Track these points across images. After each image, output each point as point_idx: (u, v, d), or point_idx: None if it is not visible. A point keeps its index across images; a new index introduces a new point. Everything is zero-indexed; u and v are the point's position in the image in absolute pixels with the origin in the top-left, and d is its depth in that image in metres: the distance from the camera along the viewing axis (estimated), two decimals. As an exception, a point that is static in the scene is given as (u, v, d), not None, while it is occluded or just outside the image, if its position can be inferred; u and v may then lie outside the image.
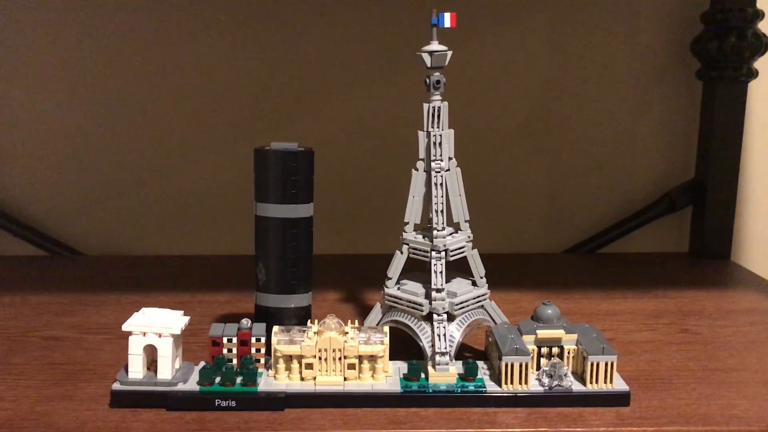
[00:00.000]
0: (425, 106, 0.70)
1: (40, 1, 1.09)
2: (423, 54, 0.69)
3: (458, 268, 0.74)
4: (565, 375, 0.66)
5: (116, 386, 0.65)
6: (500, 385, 0.66)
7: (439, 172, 0.70)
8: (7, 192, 1.15)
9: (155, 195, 1.15)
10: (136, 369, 0.66)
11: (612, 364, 0.66)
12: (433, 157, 0.70)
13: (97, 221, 1.16)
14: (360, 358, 0.67)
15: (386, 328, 0.69)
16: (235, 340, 0.68)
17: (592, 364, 0.66)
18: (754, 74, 1.08)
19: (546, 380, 0.66)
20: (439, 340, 0.68)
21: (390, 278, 0.73)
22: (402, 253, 0.72)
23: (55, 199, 1.15)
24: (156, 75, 1.12)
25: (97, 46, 1.11)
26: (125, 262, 1.11)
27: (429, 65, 0.69)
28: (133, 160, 1.14)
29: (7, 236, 1.13)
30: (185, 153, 1.14)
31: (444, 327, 0.69)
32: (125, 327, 0.66)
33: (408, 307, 0.71)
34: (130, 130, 1.14)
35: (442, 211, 0.70)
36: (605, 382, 0.66)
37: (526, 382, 0.66)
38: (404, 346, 0.72)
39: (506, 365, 0.66)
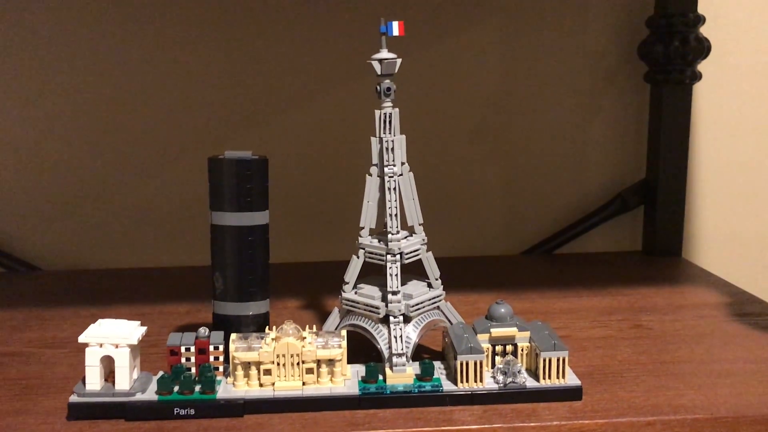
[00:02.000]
0: (377, 112, 0.71)
1: (-10, 15, 1.09)
2: (373, 62, 0.70)
3: (414, 271, 0.75)
4: (518, 372, 0.68)
5: (73, 398, 0.65)
6: (456, 384, 0.67)
7: (392, 176, 0.71)
8: (-40, 208, 1.13)
9: (112, 208, 1.15)
10: (94, 380, 0.66)
11: (564, 360, 0.68)
12: (386, 163, 0.71)
13: (53, 236, 1.15)
14: (318, 362, 0.68)
15: (344, 332, 0.70)
16: (193, 348, 0.68)
17: (544, 360, 0.68)
18: (698, 77, 1.11)
19: (500, 377, 0.68)
20: (396, 341, 0.69)
21: (347, 282, 0.74)
22: (358, 257, 0.73)
23: (11, 215, 1.14)
24: (109, 90, 1.12)
25: (49, 62, 1.10)
26: (83, 277, 1.10)
27: (379, 73, 0.70)
28: (88, 174, 1.14)
29: (-38, 253, 1.12)
30: (140, 166, 1.14)
31: (400, 329, 0.70)
32: (81, 339, 0.66)
33: (365, 310, 0.72)
34: (85, 144, 1.13)
35: (396, 215, 0.72)
36: (558, 378, 0.68)
37: (481, 380, 0.67)
38: (363, 349, 0.73)
39: (461, 364, 0.67)
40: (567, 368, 0.68)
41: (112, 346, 0.66)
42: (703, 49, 1.09)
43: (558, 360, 0.68)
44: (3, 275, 1.11)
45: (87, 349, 0.66)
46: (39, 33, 1.09)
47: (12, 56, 1.10)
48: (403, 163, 0.72)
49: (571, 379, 0.68)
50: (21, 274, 1.12)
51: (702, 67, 1.12)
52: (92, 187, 1.14)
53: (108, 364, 0.66)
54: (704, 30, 1.10)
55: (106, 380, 0.67)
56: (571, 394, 0.67)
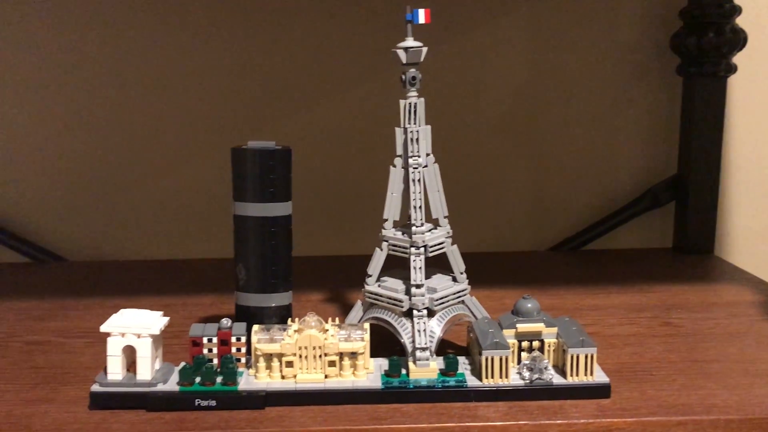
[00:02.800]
0: (401, 102, 0.70)
1: (19, 10, 1.09)
2: (398, 51, 0.69)
3: (438, 264, 0.74)
4: (545, 368, 0.66)
5: (95, 388, 0.65)
6: (481, 380, 0.66)
7: (417, 168, 0.70)
8: (-11, 199, 1.14)
9: (137, 199, 1.15)
10: (115, 370, 0.65)
11: (592, 357, 0.66)
12: (410, 154, 0.70)
13: (79, 227, 1.15)
14: (341, 355, 0.67)
15: (366, 325, 0.69)
16: (215, 339, 0.68)
17: (572, 357, 0.66)
18: (733, 69, 1.09)
19: (526, 374, 0.66)
20: (419, 335, 0.68)
21: (370, 275, 0.73)
22: (381, 250, 0.72)
23: (37, 206, 1.15)
24: (135, 80, 1.12)
25: (76, 54, 1.11)
26: (108, 267, 1.10)
27: (404, 62, 0.69)
28: (113, 166, 1.14)
29: (-10, 243, 1.13)
30: (166, 157, 1.14)
31: (424, 323, 0.69)
32: (103, 328, 0.66)
33: (388, 303, 0.71)
34: (110, 136, 1.13)
35: (420, 207, 0.70)
36: (585, 375, 0.66)
37: (506, 376, 0.66)
38: (386, 343, 0.72)
39: (486, 359, 0.66)
40: (595, 365, 0.66)
41: (134, 335, 0.65)
42: (738, 40, 1.06)
43: (586, 356, 0.66)
44: (29, 265, 1.12)
45: (109, 339, 0.65)
46: (61, 27, 1.10)
47: (38, 49, 1.10)
48: (428, 155, 0.71)
49: (599, 377, 0.67)
50: (46, 264, 1.13)
51: (737, 59, 1.09)
52: (117, 178, 1.14)
53: (130, 354, 0.66)
54: (740, 21, 1.07)
55: (128, 370, 0.67)
56: (600, 391, 0.66)
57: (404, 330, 0.69)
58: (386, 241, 0.72)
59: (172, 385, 0.66)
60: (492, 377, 0.66)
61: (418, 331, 0.68)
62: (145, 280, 1.04)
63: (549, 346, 0.69)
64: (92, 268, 1.10)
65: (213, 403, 0.64)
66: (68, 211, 1.15)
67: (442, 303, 0.70)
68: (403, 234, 0.71)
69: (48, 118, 1.12)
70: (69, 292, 0.98)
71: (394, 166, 0.71)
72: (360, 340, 0.67)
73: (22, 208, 1.14)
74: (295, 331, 0.67)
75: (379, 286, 0.72)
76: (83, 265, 1.12)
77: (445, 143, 1.13)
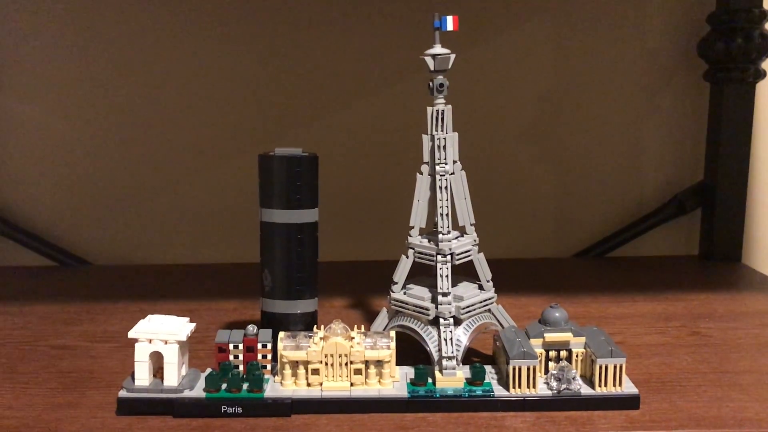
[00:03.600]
0: (429, 109, 0.69)
1: (46, 14, 1.10)
2: (426, 57, 0.69)
3: (465, 272, 0.73)
4: (573, 378, 0.65)
5: (123, 393, 0.65)
6: (508, 389, 0.66)
7: (444, 175, 0.70)
8: (16, 203, 1.15)
9: (163, 204, 1.16)
10: (143, 376, 0.66)
11: (621, 367, 0.65)
12: (437, 161, 0.70)
13: (105, 231, 1.16)
14: (366, 363, 0.67)
15: (393, 333, 0.68)
16: (241, 346, 0.68)
17: (600, 367, 0.65)
18: (761, 75, 1.07)
19: (554, 384, 0.66)
20: (446, 344, 0.68)
21: (396, 283, 0.72)
22: (408, 257, 0.72)
23: (64, 210, 1.16)
24: (161, 85, 1.13)
25: (102, 58, 1.12)
26: (133, 272, 1.11)
27: (432, 68, 0.69)
28: (140, 170, 1.15)
29: (17, 246, 1.14)
30: (192, 162, 1.15)
31: (451, 331, 0.68)
32: (131, 334, 0.66)
33: (414, 311, 0.70)
34: (137, 140, 1.14)
35: (447, 215, 0.70)
36: (614, 385, 0.65)
37: (534, 386, 0.65)
38: (412, 351, 0.72)
39: (514, 369, 0.65)
40: (624, 376, 0.66)
41: (161, 342, 0.65)
42: None
43: (615, 367, 0.65)
44: (56, 269, 1.13)
45: (136, 345, 0.66)
46: (91, 31, 1.11)
47: (65, 53, 1.11)
48: (455, 162, 0.71)
49: (628, 387, 0.66)
50: (73, 268, 1.14)
51: (766, 65, 1.07)
52: (143, 183, 1.15)
53: (157, 359, 0.66)
54: (769, 26, 1.06)
55: (154, 376, 0.67)
56: (629, 402, 0.65)
57: (430, 338, 0.69)
58: (412, 248, 0.71)
59: (198, 391, 0.66)
60: (519, 387, 0.65)
61: (445, 339, 0.68)
62: (170, 284, 1.04)
63: (577, 356, 0.68)
64: (118, 272, 1.11)
65: (239, 410, 0.64)
66: (94, 216, 1.16)
67: (469, 311, 0.70)
68: (429, 241, 0.71)
69: (76, 124, 1.13)
70: (94, 296, 0.99)
71: (421, 173, 0.71)
72: (386, 348, 0.67)
73: (48, 212, 1.16)
74: (321, 338, 0.67)
75: (404, 293, 0.72)
76: (109, 269, 1.13)
77: (470, 150, 1.12)
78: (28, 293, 1.00)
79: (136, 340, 0.66)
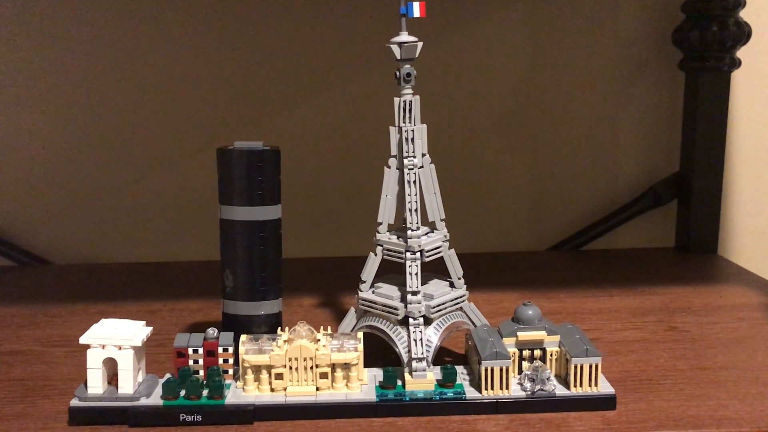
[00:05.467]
0: (396, 100, 0.67)
1: (5, 12, 1.06)
2: (392, 45, 0.66)
3: (435, 269, 0.71)
4: (547, 379, 0.63)
5: (75, 402, 0.62)
6: (480, 391, 0.63)
7: (412, 169, 0.67)
8: (-29, 201, 1.11)
9: (123, 202, 1.12)
10: (96, 384, 0.62)
11: (597, 367, 0.63)
12: (405, 154, 0.67)
13: (65, 230, 1.12)
14: (333, 366, 0.64)
15: (360, 334, 0.66)
16: (201, 350, 0.65)
17: (575, 367, 0.63)
18: (737, 64, 1.06)
19: (528, 385, 0.63)
20: (416, 345, 0.65)
21: (364, 281, 0.70)
22: (376, 254, 0.69)
23: (22, 209, 1.12)
24: (121, 82, 1.09)
25: (60, 54, 1.07)
26: (93, 270, 1.07)
27: (399, 57, 0.66)
28: (100, 168, 1.11)
29: (-27, 247, 1.10)
30: (152, 159, 1.11)
31: (421, 331, 0.66)
32: (83, 340, 0.63)
33: (383, 311, 0.68)
34: (98, 137, 1.10)
35: (416, 210, 0.67)
36: (590, 385, 0.63)
37: (507, 388, 0.63)
38: (382, 352, 0.69)
39: (486, 370, 0.63)
40: (600, 375, 0.63)
41: (115, 347, 0.62)
42: (743, 34, 1.04)
43: (590, 366, 0.63)
44: (14, 269, 1.09)
45: (89, 351, 0.62)
46: (54, 28, 1.07)
47: (25, 51, 1.07)
48: (423, 155, 0.68)
49: (604, 387, 0.64)
50: (32, 267, 1.10)
51: (741, 53, 1.06)
52: (103, 180, 1.11)
53: (111, 366, 0.63)
54: (744, 14, 1.05)
55: (109, 383, 0.64)
56: (605, 403, 0.63)
57: (400, 339, 0.66)
58: (381, 245, 0.69)
59: (155, 398, 0.63)
60: (492, 389, 0.63)
61: (415, 340, 0.65)
62: (132, 283, 1.01)
63: (551, 355, 0.66)
64: (78, 271, 1.07)
65: (199, 418, 0.61)
66: (54, 215, 1.12)
67: (440, 310, 0.67)
68: (398, 238, 0.68)
69: (32, 120, 1.09)
70: (53, 296, 0.95)
71: (389, 167, 0.68)
72: (353, 351, 0.64)
73: (6, 210, 1.12)
74: (285, 341, 0.64)
75: (373, 292, 0.69)
76: (69, 269, 1.09)
77: (442, 141, 1.11)
78: (-16, 295, 0.96)
79: (88, 346, 0.62)
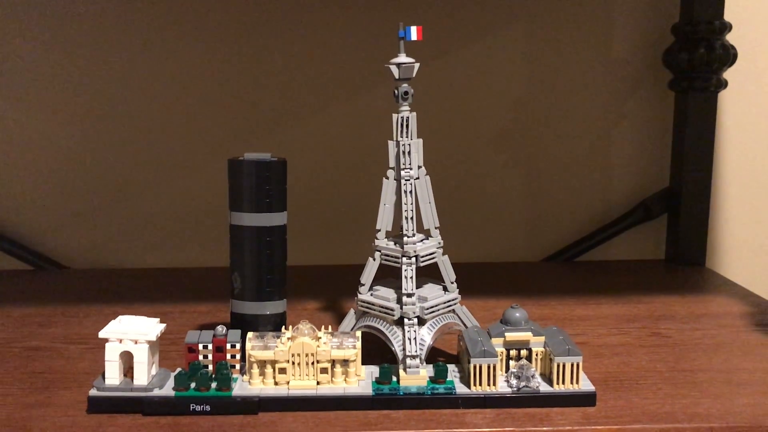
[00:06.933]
0: (394, 116, 0.72)
1: (25, 17, 1.11)
2: (391, 66, 0.71)
3: (430, 274, 0.75)
4: (532, 376, 0.68)
5: (93, 392, 0.67)
6: (469, 387, 0.68)
7: (409, 180, 0.72)
8: (-8, 207, 1.16)
9: (138, 209, 1.17)
10: (113, 375, 0.67)
11: (578, 365, 0.68)
12: (402, 166, 0.72)
13: (80, 235, 1.17)
14: (333, 362, 0.68)
15: (359, 333, 0.70)
16: (210, 346, 0.70)
17: (558, 365, 0.68)
18: (723, 84, 1.10)
19: (514, 381, 0.68)
20: (410, 343, 0.70)
21: (363, 284, 0.74)
22: (374, 259, 0.74)
23: (39, 214, 1.16)
24: (136, 90, 1.14)
25: (78, 62, 1.13)
26: (106, 275, 1.12)
27: (397, 77, 0.71)
28: (115, 176, 1.16)
29: (-8, 250, 1.15)
30: (165, 168, 1.16)
31: (415, 331, 0.70)
32: (102, 334, 0.67)
33: (380, 312, 0.72)
34: (112, 145, 1.15)
35: (412, 218, 0.72)
36: (572, 383, 0.68)
37: (494, 384, 0.68)
38: (378, 350, 0.74)
39: (475, 367, 0.67)
40: (581, 374, 0.68)
41: (131, 341, 0.67)
42: (729, 56, 1.08)
43: (572, 365, 0.67)
44: (31, 273, 1.14)
45: (107, 345, 0.67)
46: (73, 37, 1.12)
47: (41, 59, 1.12)
48: (419, 167, 0.73)
49: (585, 385, 0.68)
50: (48, 271, 1.14)
51: (728, 74, 1.11)
52: (119, 188, 1.16)
53: (127, 359, 0.68)
54: (730, 37, 1.09)
55: (125, 375, 0.68)
56: (585, 399, 0.67)
57: (395, 338, 0.71)
58: (379, 250, 0.74)
59: (167, 390, 0.67)
60: (480, 385, 0.67)
61: (409, 339, 0.70)
62: (143, 288, 1.06)
63: (536, 354, 0.70)
64: (91, 275, 1.12)
65: (207, 408, 0.66)
66: (68, 220, 1.17)
67: (433, 312, 0.72)
68: (395, 244, 0.73)
69: (49, 127, 1.14)
70: (68, 299, 1.00)
71: (387, 178, 0.73)
72: (352, 348, 0.69)
73: (22, 216, 1.16)
74: (288, 338, 0.69)
75: (371, 295, 0.74)
76: (83, 273, 1.14)
77: (441, 155, 1.15)
78: (3, 297, 1.01)
79: (106, 340, 0.67)
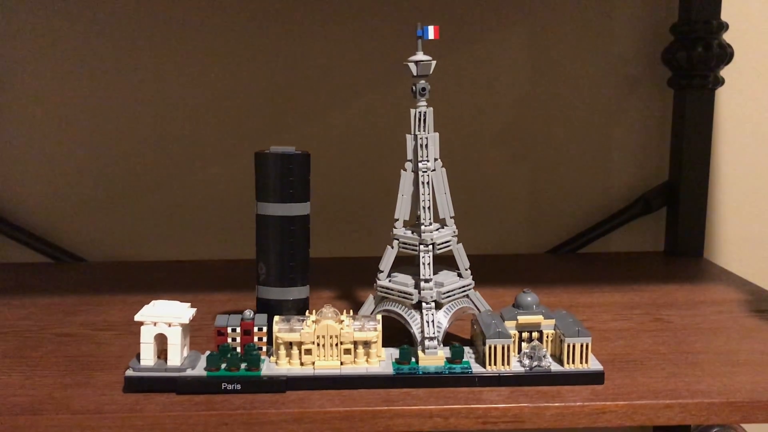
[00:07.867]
0: (412, 111, 0.76)
1: (42, 8, 1.14)
2: (409, 63, 0.75)
3: (445, 262, 0.79)
4: (543, 356, 0.72)
5: (129, 372, 0.70)
6: (484, 367, 0.72)
7: (426, 171, 0.76)
8: (11, 201, 1.19)
9: (157, 202, 1.20)
10: (148, 356, 0.71)
11: (587, 346, 0.72)
12: (420, 159, 0.76)
13: (99, 228, 1.20)
14: (355, 343, 0.72)
15: (379, 316, 0.74)
16: (238, 329, 0.73)
17: (568, 346, 0.72)
18: (720, 82, 1.14)
19: (526, 361, 0.72)
20: (428, 326, 0.74)
21: (382, 271, 0.78)
22: (393, 247, 0.78)
23: (58, 207, 1.19)
24: (158, 82, 1.17)
25: (99, 54, 1.16)
26: (127, 268, 1.15)
27: (415, 74, 0.75)
28: (134, 167, 1.19)
29: (12, 244, 1.18)
30: (186, 159, 1.19)
31: (432, 314, 0.74)
32: (137, 317, 0.71)
33: (399, 296, 0.76)
34: (132, 137, 1.18)
35: (429, 208, 0.76)
36: (581, 362, 0.72)
37: (508, 363, 0.72)
38: (397, 333, 0.78)
39: (490, 347, 0.71)
40: (590, 354, 0.72)
41: (165, 324, 0.71)
42: (725, 55, 1.12)
43: (581, 345, 0.71)
44: (51, 266, 1.17)
45: (142, 327, 0.71)
46: (87, 26, 1.15)
47: (61, 49, 1.15)
48: (436, 159, 0.77)
49: (594, 364, 0.72)
50: (68, 264, 1.18)
51: (725, 72, 1.15)
52: (138, 180, 1.19)
53: (161, 341, 0.72)
54: (727, 36, 1.13)
55: (159, 357, 0.72)
56: (594, 378, 0.71)
57: (414, 321, 0.75)
58: (397, 239, 0.77)
59: (200, 370, 0.71)
60: (495, 364, 0.71)
61: (427, 322, 0.74)
62: (165, 279, 1.09)
63: (547, 336, 0.74)
64: (112, 268, 1.15)
65: (238, 387, 0.70)
66: (88, 213, 1.20)
67: (449, 296, 0.76)
68: (412, 233, 0.77)
69: (68, 121, 1.17)
70: (91, 290, 1.03)
71: (405, 170, 0.77)
72: (373, 330, 0.72)
73: (42, 209, 1.19)
74: (313, 321, 0.73)
75: (390, 281, 0.78)
76: (103, 266, 1.17)
77: (449, 151, 1.19)
78: (27, 287, 1.04)
79: (141, 323, 0.71)
